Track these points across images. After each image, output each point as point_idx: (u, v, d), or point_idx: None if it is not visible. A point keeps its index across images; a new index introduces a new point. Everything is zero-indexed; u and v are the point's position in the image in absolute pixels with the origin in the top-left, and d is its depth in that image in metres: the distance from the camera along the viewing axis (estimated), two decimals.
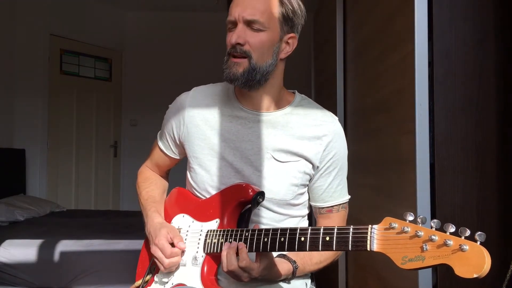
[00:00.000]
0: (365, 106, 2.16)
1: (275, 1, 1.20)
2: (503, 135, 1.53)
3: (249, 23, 1.18)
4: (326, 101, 2.81)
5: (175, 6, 4.97)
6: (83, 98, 4.84)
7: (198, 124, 1.30)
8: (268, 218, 1.26)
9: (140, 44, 5.24)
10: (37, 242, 2.69)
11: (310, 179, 1.28)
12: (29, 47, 4.33)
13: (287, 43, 1.25)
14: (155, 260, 1.22)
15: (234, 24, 1.19)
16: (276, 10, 1.20)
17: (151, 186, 1.43)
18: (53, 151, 4.54)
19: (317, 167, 1.26)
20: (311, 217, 1.39)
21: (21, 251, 2.64)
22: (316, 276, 1.40)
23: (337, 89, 2.60)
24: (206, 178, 1.28)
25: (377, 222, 0.93)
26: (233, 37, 1.18)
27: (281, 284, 1.24)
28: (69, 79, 4.72)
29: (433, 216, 1.45)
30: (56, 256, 2.65)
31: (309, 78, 3.91)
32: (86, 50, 4.85)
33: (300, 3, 1.24)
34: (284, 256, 1.20)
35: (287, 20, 1.22)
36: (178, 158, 1.42)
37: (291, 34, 1.25)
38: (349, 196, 1.34)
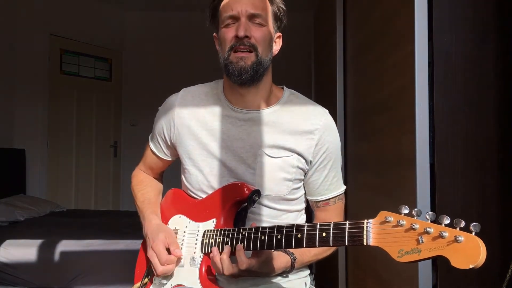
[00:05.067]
0: (366, 106, 2.16)
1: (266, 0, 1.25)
2: (503, 135, 1.52)
3: (252, 17, 1.21)
4: (326, 101, 2.81)
5: (175, 6, 4.97)
6: (83, 98, 4.83)
7: (188, 125, 1.31)
8: (266, 215, 1.26)
9: (140, 44, 5.23)
10: (37, 242, 2.69)
11: (305, 174, 1.28)
12: (29, 47, 4.32)
13: (275, 42, 1.29)
14: (151, 264, 1.22)
15: (235, 19, 1.21)
16: (269, 8, 1.25)
17: (146, 188, 1.43)
18: (53, 151, 4.54)
19: (311, 161, 1.26)
20: (309, 210, 1.39)
21: (21, 251, 2.64)
22: (316, 275, 1.40)
23: (337, 89, 2.60)
24: (201, 178, 1.29)
25: (373, 217, 0.94)
26: (240, 30, 1.19)
27: (281, 283, 1.24)
28: (69, 79, 4.72)
29: None
30: (56, 256, 2.65)
31: (309, 78, 3.91)
32: (86, 50, 4.85)
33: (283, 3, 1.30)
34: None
35: (277, 19, 1.27)
36: (170, 159, 1.43)
37: (279, 34, 1.30)
38: (345, 187, 1.35)
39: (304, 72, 4.04)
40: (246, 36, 1.19)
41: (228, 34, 1.21)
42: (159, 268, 1.19)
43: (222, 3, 1.24)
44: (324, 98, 3.11)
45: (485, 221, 1.52)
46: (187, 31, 5.12)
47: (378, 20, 1.91)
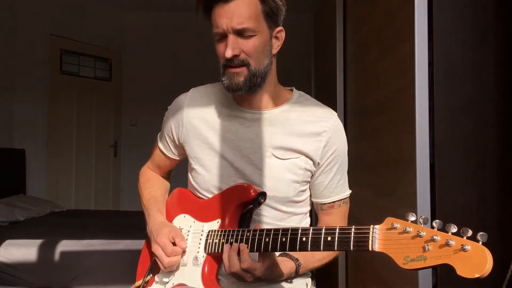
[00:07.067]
0: (365, 106, 2.16)
1: (256, 0, 1.16)
2: (503, 135, 1.52)
3: (239, 32, 1.16)
4: (326, 101, 2.80)
5: (174, 6, 4.96)
6: (83, 98, 4.84)
7: (197, 125, 1.30)
8: (271, 217, 1.26)
9: (140, 44, 5.23)
10: (37, 242, 2.69)
11: (312, 175, 1.28)
12: (29, 47, 4.32)
13: (276, 37, 1.25)
14: (156, 258, 1.22)
15: (223, 35, 1.17)
16: (260, 10, 1.17)
17: (153, 187, 1.43)
18: (53, 151, 4.54)
19: (318, 163, 1.26)
20: (312, 213, 1.39)
21: (21, 251, 2.65)
22: (317, 276, 1.41)
23: (337, 89, 2.60)
24: (208, 178, 1.28)
25: (377, 222, 0.93)
26: (228, 51, 1.15)
27: (282, 284, 1.24)
28: (69, 79, 4.72)
29: (433, 216, 1.45)
30: (56, 256, 2.65)
31: (309, 78, 3.91)
32: (86, 50, 4.85)
33: None
34: (286, 255, 1.20)
35: (271, 16, 1.20)
36: (178, 159, 1.43)
37: (279, 28, 1.24)
38: (350, 191, 1.34)
39: (304, 72, 4.05)
40: (235, 55, 1.16)
41: (219, 50, 1.19)
42: (166, 260, 1.18)
43: (213, 15, 1.19)
44: (324, 98, 3.11)
45: (485, 221, 1.52)
46: (187, 31, 5.12)
47: (378, 20, 1.91)
